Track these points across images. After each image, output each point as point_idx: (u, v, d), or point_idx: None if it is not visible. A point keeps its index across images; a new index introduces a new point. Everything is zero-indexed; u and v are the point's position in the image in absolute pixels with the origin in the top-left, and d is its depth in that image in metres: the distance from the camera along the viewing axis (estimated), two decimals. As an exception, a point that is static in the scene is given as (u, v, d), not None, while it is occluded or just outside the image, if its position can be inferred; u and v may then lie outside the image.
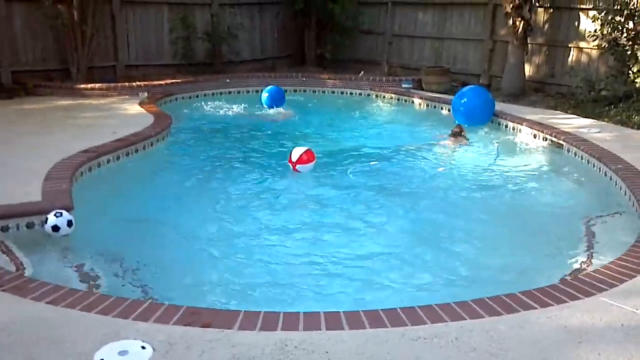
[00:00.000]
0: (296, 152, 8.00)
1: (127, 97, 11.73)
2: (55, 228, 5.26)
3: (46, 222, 5.28)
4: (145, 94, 11.81)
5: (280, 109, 11.94)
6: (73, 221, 5.33)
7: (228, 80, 13.66)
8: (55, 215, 5.28)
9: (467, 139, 9.77)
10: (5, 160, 7.05)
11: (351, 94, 13.80)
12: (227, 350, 3.29)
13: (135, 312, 3.67)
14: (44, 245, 5.22)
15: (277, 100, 12.04)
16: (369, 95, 13.58)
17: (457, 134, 9.81)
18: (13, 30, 11.86)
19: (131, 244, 5.64)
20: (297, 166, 7.96)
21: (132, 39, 13.67)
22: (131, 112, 10.37)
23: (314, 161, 8.08)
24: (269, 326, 3.53)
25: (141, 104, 10.95)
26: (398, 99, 12.99)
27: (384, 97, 13.28)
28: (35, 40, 12.18)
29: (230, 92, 13.41)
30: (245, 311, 3.73)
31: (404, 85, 13.26)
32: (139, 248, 5.61)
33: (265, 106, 11.99)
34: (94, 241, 5.52)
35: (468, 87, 11.03)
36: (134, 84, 12.22)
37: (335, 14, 15.28)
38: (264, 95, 12.04)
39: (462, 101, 10.46)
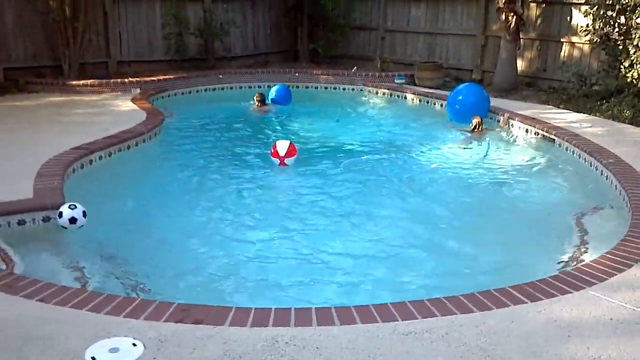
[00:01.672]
0: (282, 146, 8.05)
1: (119, 93, 11.71)
2: (73, 220, 5.32)
3: (61, 216, 5.31)
4: (138, 90, 11.78)
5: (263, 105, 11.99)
6: (86, 211, 5.38)
7: (221, 76, 13.64)
8: (69, 207, 5.34)
9: (491, 129, 9.88)
10: (-3, 158, 7.04)
11: (344, 89, 13.81)
12: (219, 346, 3.30)
13: (126, 310, 3.66)
14: (35, 243, 5.20)
15: (283, 98, 12.05)
16: (361, 90, 13.58)
17: (479, 125, 9.84)
18: (4, 26, 11.81)
19: (123, 241, 5.63)
20: (286, 160, 8.01)
21: (124, 35, 13.62)
22: (123, 108, 10.34)
23: (296, 154, 8.16)
24: (260, 322, 3.54)
25: (133, 100, 10.92)
26: (391, 94, 13.00)
27: (377, 92, 13.29)
28: (26, 36, 12.11)
29: (223, 88, 13.42)
30: (236, 307, 3.74)
31: (396, 81, 13.26)
32: (130, 245, 5.61)
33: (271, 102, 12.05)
34: (85, 238, 5.51)
35: (464, 84, 11.05)
36: (126, 80, 12.18)
37: (327, 9, 15.27)
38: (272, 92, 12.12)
39: (458, 98, 10.47)
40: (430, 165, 8.48)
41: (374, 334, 3.45)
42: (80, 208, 5.38)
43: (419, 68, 13.33)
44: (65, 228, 5.37)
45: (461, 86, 10.85)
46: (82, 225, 5.40)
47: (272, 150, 8.11)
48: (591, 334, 3.50)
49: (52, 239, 5.35)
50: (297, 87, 13.79)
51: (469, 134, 9.81)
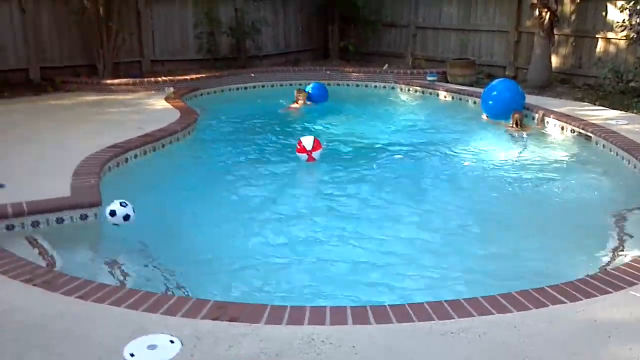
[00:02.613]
0: (308, 142, 8.11)
1: (153, 92, 11.80)
2: (127, 217, 5.42)
3: (114, 214, 5.39)
4: (171, 89, 11.88)
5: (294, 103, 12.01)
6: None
7: (253, 75, 13.69)
8: (121, 204, 5.43)
9: (530, 126, 9.80)
10: (34, 156, 7.15)
11: (375, 86, 13.74)
12: (255, 344, 3.31)
13: (164, 307, 3.70)
14: (74, 240, 5.28)
15: (319, 96, 12.08)
16: (393, 88, 13.50)
17: (519, 121, 9.77)
18: (41, 27, 12.00)
19: (159, 239, 5.67)
20: (313, 154, 8.07)
21: (157, 34, 13.74)
22: (157, 107, 10.44)
23: (322, 148, 8.21)
24: (295, 320, 3.55)
25: (167, 99, 11.01)
26: (423, 92, 12.91)
27: (409, 89, 13.20)
28: (62, 37, 12.31)
29: (254, 87, 13.46)
30: (272, 305, 3.75)
31: (428, 78, 13.16)
32: (166, 242, 5.65)
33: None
34: (122, 236, 5.58)
35: (498, 80, 10.93)
36: (159, 79, 12.28)
37: (358, 7, 15.23)
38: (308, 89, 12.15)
39: (493, 94, 10.36)
40: (463, 162, 8.40)
41: (410, 333, 3.43)
42: (129, 205, 5.48)
43: (451, 65, 13.22)
44: (118, 225, 5.44)
45: (495, 82, 10.73)
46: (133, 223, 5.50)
47: (298, 147, 8.15)
48: (632, 334, 3.44)
49: (89, 236, 5.43)
50: (329, 84, 13.77)
51: (509, 130, 9.73)
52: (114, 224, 5.44)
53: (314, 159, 8.10)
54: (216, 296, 4.02)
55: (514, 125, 9.76)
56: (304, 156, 8.10)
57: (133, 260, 5.19)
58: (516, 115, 9.80)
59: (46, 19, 12.06)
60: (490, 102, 10.34)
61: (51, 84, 11.76)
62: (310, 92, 12.06)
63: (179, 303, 3.78)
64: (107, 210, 5.43)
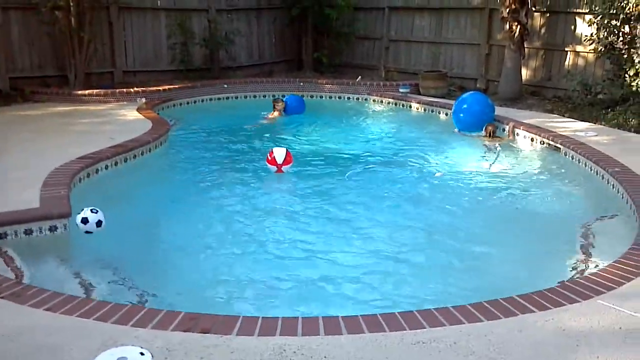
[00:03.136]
0: (279, 154, 8.14)
1: (125, 103, 11.73)
2: (99, 223, 5.39)
3: (86, 222, 5.33)
4: (143, 100, 11.81)
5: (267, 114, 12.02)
6: None
7: (225, 86, 13.67)
8: (92, 211, 5.39)
9: (502, 137, 9.93)
10: (2, 167, 7.05)
11: (349, 98, 13.81)
12: (226, 356, 3.29)
13: (134, 319, 3.67)
14: (42, 252, 5.21)
15: (295, 107, 12.12)
16: (366, 99, 13.59)
17: (492, 132, 9.92)
18: (10, 36, 11.86)
19: (129, 250, 5.63)
20: (283, 167, 8.10)
21: (129, 45, 13.68)
22: (129, 118, 10.37)
23: (292, 162, 8.25)
24: (267, 331, 3.54)
25: (139, 110, 10.94)
26: (396, 104, 13.00)
27: (382, 101, 13.30)
28: (32, 46, 12.17)
29: (227, 98, 13.44)
30: (244, 316, 3.75)
31: (401, 90, 13.27)
32: (136, 254, 5.62)
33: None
34: (91, 248, 5.51)
35: (469, 93, 11.07)
36: (131, 89, 12.20)
37: (331, 19, 15.32)
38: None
39: (463, 107, 10.48)
40: (435, 173, 8.46)
41: (382, 343, 3.44)
42: (100, 211, 5.43)
43: (423, 77, 13.33)
44: (91, 233, 5.39)
45: (466, 95, 10.86)
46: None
47: (269, 157, 8.17)
48: (600, 343, 3.48)
49: (58, 248, 5.35)
50: (302, 95, 13.84)
51: (483, 140, 9.86)
52: (87, 232, 5.37)
53: (282, 172, 8.12)
54: (187, 308, 3.97)
55: (488, 136, 9.90)
56: (274, 168, 8.12)
57: (103, 271, 5.13)
58: (490, 127, 9.97)
59: (16, 29, 11.92)
60: (461, 115, 10.46)
61: (21, 94, 11.64)
62: (287, 102, 12.09)
63: (150, 315, 3.74)
64: (79, 219, 5.36)
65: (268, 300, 4.93)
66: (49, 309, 3.81)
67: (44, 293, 4.02)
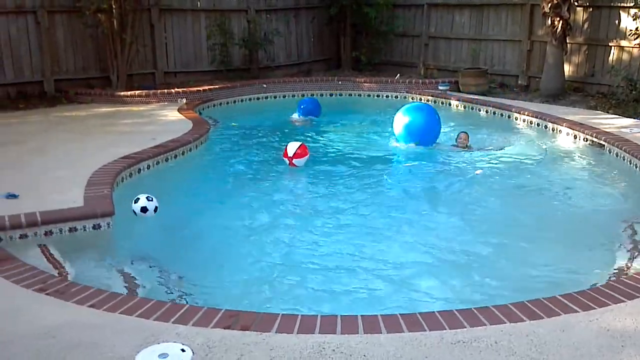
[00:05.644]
0: (292, 147, 8.29)
1: (166, 103, 11.89)
2: (156, 209, 5.89)
3: (146, 210, 5.84)
4: (184, 100, 11.96)
5: (295, 116, 11.99)
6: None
7: (264, 86, 13.74)
8: (147, 199, 5.87)
9: (470, 146, 9.53)
10: (48, 167, 7.20)
11: (387, 96, 13.75)
12: (265, 353, 3.31)
13: (175, 315, 3.72)
14: (86, 250, 5.31)
15: (311, 110, 12.06)
16: (405, 97, 13.47)
17: (463, 142, 9.54)
18: (55, 40, 12.16)
19: (171, 248, 5.71)
20: (294, 160, 8.26)
21: (170, 46, 13.86)
22: (170, 118, 10.50)
23: (308, 155, 8.36)
24: (306, 329, 3.54)
25: (180, 110, 11.08)
26: (435, 101, 12.90)
27: (421, 99, 13.19)
28: (76, 49, 12.46)
29: (267, 97, 13.52)
30: (283, 314, 3.76)
31: (440, 87, 13.15)
32: (178, 252, 5.69)
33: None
34: (134, 245, 5.61)
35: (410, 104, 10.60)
36: (172, 90, 12.35)
37: (370, 17, 15.26)
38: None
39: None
40: (475, 171, 8.36)
41: (421, 342, 3.42)
42: (155, 200, 5.90)
43: (463, 74, 13.21)
44: (138, 214, 5.85)
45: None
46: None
47: (285, 151, 8.33)
48: (646, 344, 3.40)
49: (102, 246, 5.45)
50: (341, 94, 13.83)
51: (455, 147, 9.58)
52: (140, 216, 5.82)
53: (294, 165, 8.26)
54: (228, 305, 4.00)
55: (463, 147, 9.49)
56: (286, 161, 8.31)
57: (145, 269, 5.21)
58: (463, 135, 9.57)
59: (61, 32, 12.21)
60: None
61: (65, 96, 11.91)
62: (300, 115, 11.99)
63: (191, 312, 3.79)
64: (138, 208, 5.63)
65: (310, 298, 4.94)
66: (93, 305, 3.89)
67: (87, 290, 4.11)
